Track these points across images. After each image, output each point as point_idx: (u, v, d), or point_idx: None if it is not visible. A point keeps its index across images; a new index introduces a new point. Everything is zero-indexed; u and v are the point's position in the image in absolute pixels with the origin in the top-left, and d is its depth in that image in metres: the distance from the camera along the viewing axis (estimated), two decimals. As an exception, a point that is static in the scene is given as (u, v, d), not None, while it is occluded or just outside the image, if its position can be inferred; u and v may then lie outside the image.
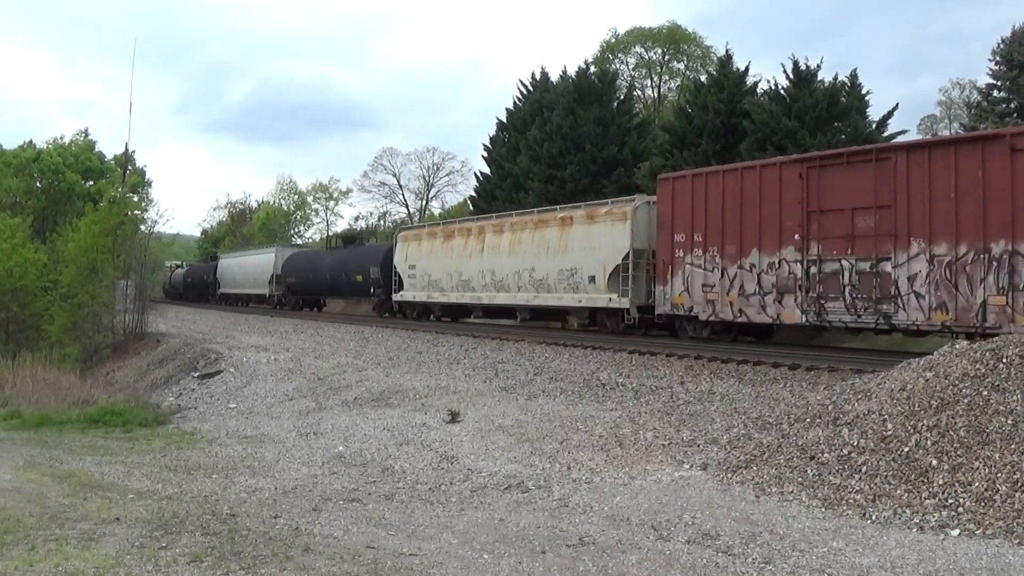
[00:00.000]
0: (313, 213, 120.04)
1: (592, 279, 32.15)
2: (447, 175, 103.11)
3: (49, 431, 22.28)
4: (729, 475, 13.68)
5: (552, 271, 34.33)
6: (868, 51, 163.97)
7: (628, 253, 30.25)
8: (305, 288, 60.74)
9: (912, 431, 12.47)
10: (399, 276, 45.87)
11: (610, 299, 31.25)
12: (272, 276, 65.47)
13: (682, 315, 28.39)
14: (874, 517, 11.22)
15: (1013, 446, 11.46)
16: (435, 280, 42.61)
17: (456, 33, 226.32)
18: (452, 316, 44.48)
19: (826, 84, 39.29)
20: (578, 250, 33.13)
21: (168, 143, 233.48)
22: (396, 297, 46.25)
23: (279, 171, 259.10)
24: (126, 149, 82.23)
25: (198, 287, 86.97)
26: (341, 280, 54.30)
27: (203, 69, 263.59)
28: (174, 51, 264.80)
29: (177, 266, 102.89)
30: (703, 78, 51.79)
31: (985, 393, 12.51)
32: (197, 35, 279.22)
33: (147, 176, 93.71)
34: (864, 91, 39.27)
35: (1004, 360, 13.07)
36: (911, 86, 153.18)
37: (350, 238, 63.24)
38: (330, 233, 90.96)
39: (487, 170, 60.37)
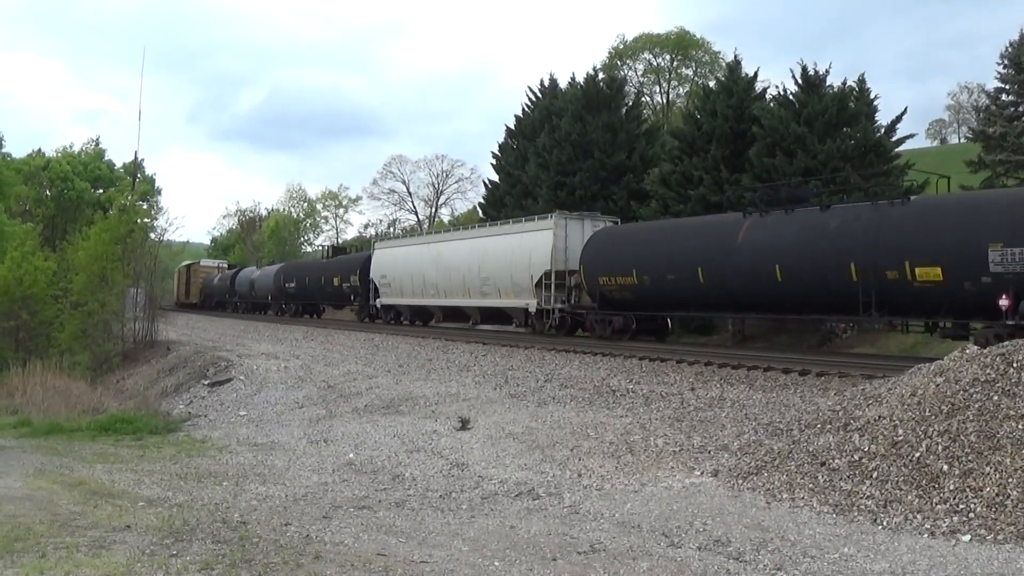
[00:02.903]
0: (323, 221, 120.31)
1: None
2: (456, 182, 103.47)
3: (59, 439, 22.30)
4: (740, 481, 13.66)
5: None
6: (877, 56, 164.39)
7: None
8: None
9: (923, 436, 12.44)
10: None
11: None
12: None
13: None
14: (885, 523, 11.20)
15: (1024, 451, 11.44)
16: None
17: (465, 40, 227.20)
18: (419, 319, 50.55)
19: (835, 89, 39.22)
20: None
21: (179, 151, 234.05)
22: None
23: (290, 179, 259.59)
24: (135, 157, 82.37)
25: (250, 295, 76.49)
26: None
27: (214, 77, 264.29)
28: (185, 59, 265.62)
29: (221, 267, 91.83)
30: (712, 84, 51.82)
31: (995, 398, 12.48)
32: (208, 43, 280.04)
33: (157, 184, 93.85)
34: (872, 96, 39.18)
35: (1015, 365, 13.04)
36: (921, 90, 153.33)
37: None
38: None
39: (496, 177, 60.44)
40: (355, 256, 60.28)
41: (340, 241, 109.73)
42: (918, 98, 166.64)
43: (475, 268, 41.29)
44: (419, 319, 50.42)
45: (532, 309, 37.28)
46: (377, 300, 51.49)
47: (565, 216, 37.57)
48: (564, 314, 36.21)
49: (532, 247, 37.49)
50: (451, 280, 43.55)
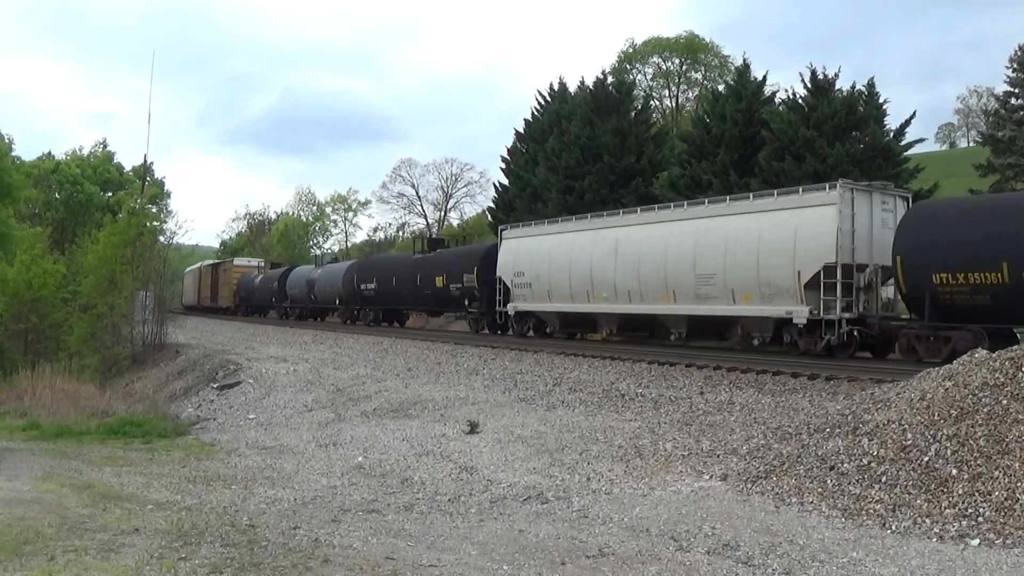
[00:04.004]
0: (332, 224, 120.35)
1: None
2: (465, 186, 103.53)
3: (68, 442, 22.35)
4: (749, 485, 13.64)
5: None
6: (888, 59, 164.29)
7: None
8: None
9: (932, 440, 12.42)
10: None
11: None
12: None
13: None
14: (894, 527, 11.18)
15: (1034, 456, 11.41)
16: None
17: (476, 43, 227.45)
18: (574, 330, 39.02)
19: (844, 93, 39.21)
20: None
21: (189, 154, 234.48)
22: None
23: (300, 183, 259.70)
24: (144, 160, 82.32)
25: (309, 299, 64.58)
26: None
27: (225, 80, 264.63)
28: (195, 62, 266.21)
29: (261, 267, 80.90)
30: (721, 88, 51.80)
31: (1004, 402, 12.45)
32: (219, 46, 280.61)
33: (166, 187, 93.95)
34: (882, 100, 39.19)
35: (1023, 369, 13.02)
36: (931, 94, 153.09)
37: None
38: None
39: (505, 181, 60.45)
40: (470, 248, 48.53)
41: (349, 245, 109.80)
42: (929, 102, 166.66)
43: (685, 261, 29.82)
44: (574, 330, 38.98)
45: (799, 319, 26.37)
46: (509, 305, 38.99)
47: (851, 187, 26.65)
48: (853, 327, 25.98)
49: (798, 230, 26.62)
50: (641, 278, 31.74)
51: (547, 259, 36.77)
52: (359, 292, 54.66)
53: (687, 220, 30.67)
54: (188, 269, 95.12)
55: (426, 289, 46.41)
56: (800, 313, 26.30)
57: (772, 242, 27.26)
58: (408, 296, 49.61)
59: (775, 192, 28.52)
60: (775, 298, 27.14)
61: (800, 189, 28.00)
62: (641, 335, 35.51)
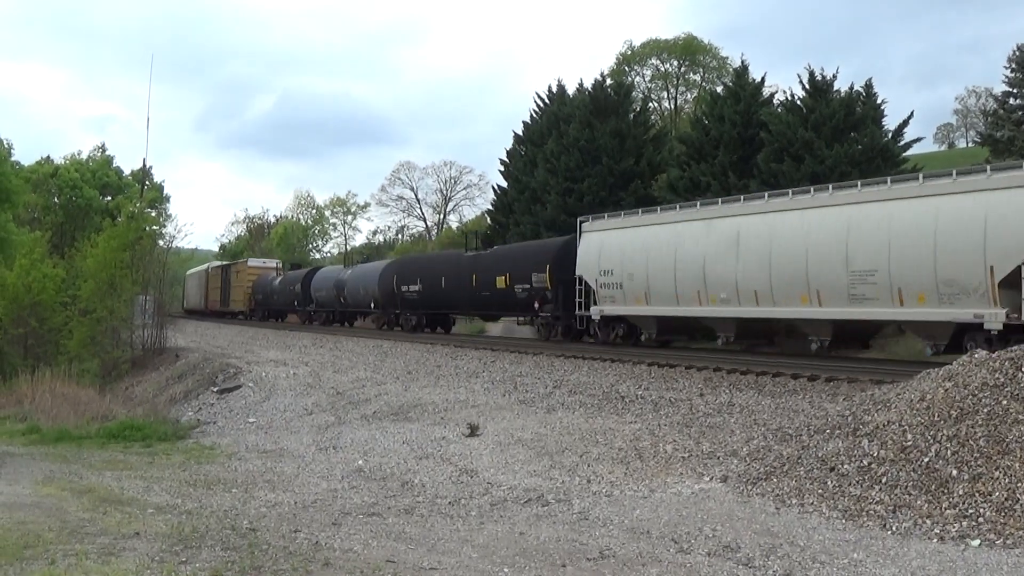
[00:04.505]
0: (331, 228, 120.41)
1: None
2: (464, 188, 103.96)
3: (68, 446, 22.33)
4: (749, 487, 13.65)
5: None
6: (888, 60, 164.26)
7: None
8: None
9: (932, 441, 12.42)
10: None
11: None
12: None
13: None
14: (894, 528, 11.19)
15: (1034, 456, 11.41)
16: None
17: (475, 46, 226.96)
18: (675, 337, 34.07)
19: (842, 94, 39.23)
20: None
21: (189, 158, 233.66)
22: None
23: (299, 186, 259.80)
24: (143, 164, 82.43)
25: (338, 302, 59.39)
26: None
27: (224, 83, 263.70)
28: (195, 66, 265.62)
29: (279, 268, 76.46)
30: (719, 89, 51.82)
31: (1004, 403, 12.46)
32: (218, 49, 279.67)
33: (165, 191, 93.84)
34: (879, 100, 39.19)
35: (1023, 369, 13.02)
36: (931, 94, 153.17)
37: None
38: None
39: (504, 183, 60.46)
40: (541, 244, 41.47)
41: (349, 248, 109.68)
42: (928, 103, 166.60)
43: (834, 254, 25.16)
44: (676, 336, 33.99)
45: (993, 324, 21.65)
46: (593, 309, 34.06)
47: None
48: None
49: (989, 216, 21.86)
50: (772, 275, 26.87)
51: (643, 255, 31.71)
52: (399, 294, 48.96)
53: (834, 206, 25.83)
54: (191, 271, 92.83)
55: (484, 291, 41.09)
56: (994, 317, 21.56)
57: (953, 232, 22.63)
58: (460, 298, 44.13)
59: (953, 172, 24.02)
60: (957, 299, 22.49)
61: (987, 168, 23.89)
62: (764, 343, 31.28)
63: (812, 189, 27.21)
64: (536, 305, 37.28)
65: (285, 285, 68.58)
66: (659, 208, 33.68)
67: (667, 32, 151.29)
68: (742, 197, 29.87)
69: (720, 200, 30.38)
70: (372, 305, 53.93)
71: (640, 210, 34.34)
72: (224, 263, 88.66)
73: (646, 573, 9.77)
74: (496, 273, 40.04)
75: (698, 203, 31.00)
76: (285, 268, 75.92)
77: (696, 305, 29.51)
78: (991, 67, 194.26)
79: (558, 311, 35.92)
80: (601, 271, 33.54)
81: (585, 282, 34.41)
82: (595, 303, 33.96)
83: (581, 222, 36.03)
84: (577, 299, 34.65)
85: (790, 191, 27.91)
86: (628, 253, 32.39)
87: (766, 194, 28.91)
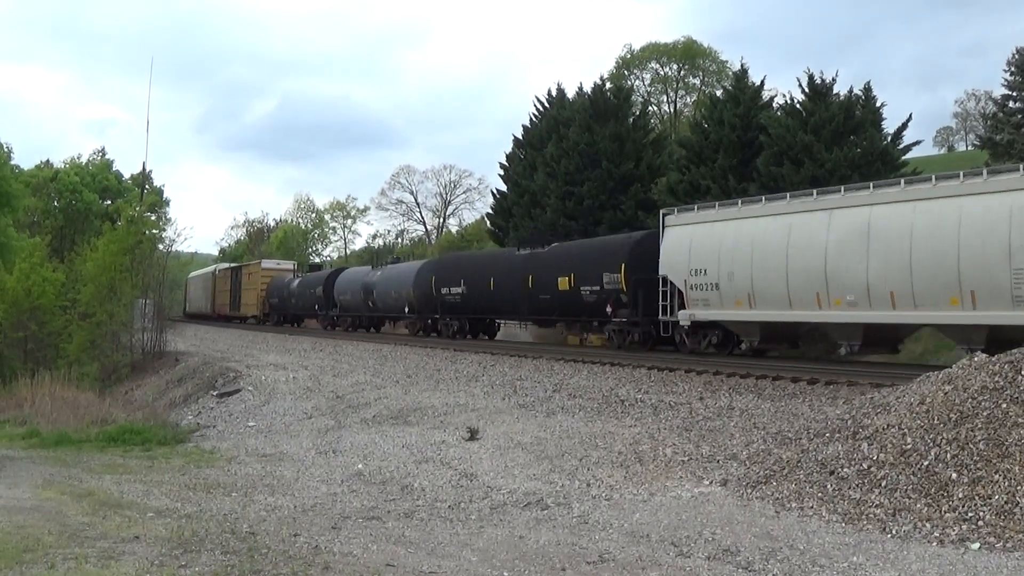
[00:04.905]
0: (331, 231, 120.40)
1: None
2: (464, 192, 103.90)
3: (68, 450, 22.33)
4: (749, 491, 13.65)
5: None
6: (888, 64, 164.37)
7: None
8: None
9: (932, 444, 12.43)
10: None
11: None
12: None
13: None
14: (894, 531, 11.19)
15: (1034, 459, 11.41)
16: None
17: (475, 49, 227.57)
18: (782, 344, 30.19)
19: (841, 98, 39.22)
20: None
21: (189, 162, 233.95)
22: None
23: (300, 190, 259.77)
24: (143, 168, 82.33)
25: (366, 306, 53.77)
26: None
27: (224, 87, 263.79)
28: (196, 69, 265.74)
29: (296, 272, 71.12)
30: (719, 93, 51.79)
31: (1004, 406, 12.46)
32: (219, 53, 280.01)
33: (165, 195, 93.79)
34: (879, 103, 39.16)
35: (1023, 373, 13.01)
36: (932, 97, 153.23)
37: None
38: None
39: (504, 187, 60.44)
40: (612, 240, 35.99)
41: (348, 252, 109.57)
42: (928, 106, 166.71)
43: (993, 249, 21.33)
44: (784, 343, 30.02)
45: None
46: (682, 314, 29.56)
47: None
48: None
49: None
50: (913, 274, 23.00)
51: (746, 251, 27.60)
52: (438, 297, 44.14)
53: (990, 194, 22.01)
54: (194, 274, 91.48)
55: (542, 293, 36.55)
56: None
57: None
58: (512, 302, 39.39)
59: None
60: None
61: None
62: (884, 351, 27.02)
63: (961, 174, 23.37)
64: (609, 309, 32.79)
65: (304, 288, 63.62)
66: (763, 198, 29.11)
67: (667, 36, 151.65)
68: (871, 184, 25.80)
69: (843, 188, 26.25)
70: (406, 310, 48.47)
71: (739, 201, 29.92)
72: (233, 265, 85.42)
73: (646, 577, 9.78)
74: (557, 273, 35.59)
75: (815, 192, 26.70)
76: (301, 270, 71.92)
77: (815, 309, 25.50)
78: (992, 70, 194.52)
79: (635, 316, 31.42)
80: (692, 270, 29.10)
81: (671, 283, 29.92)
82: (685, 306, 29.44)
83: (664, 214, 31.40)
84: (661, 302, 30.10)
85: (932, 176, 24.10)
86: (726, 249, 28.19)
87: (901, 180, 25.50)
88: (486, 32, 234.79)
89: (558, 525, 12.41)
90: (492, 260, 43.49)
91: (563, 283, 34.90)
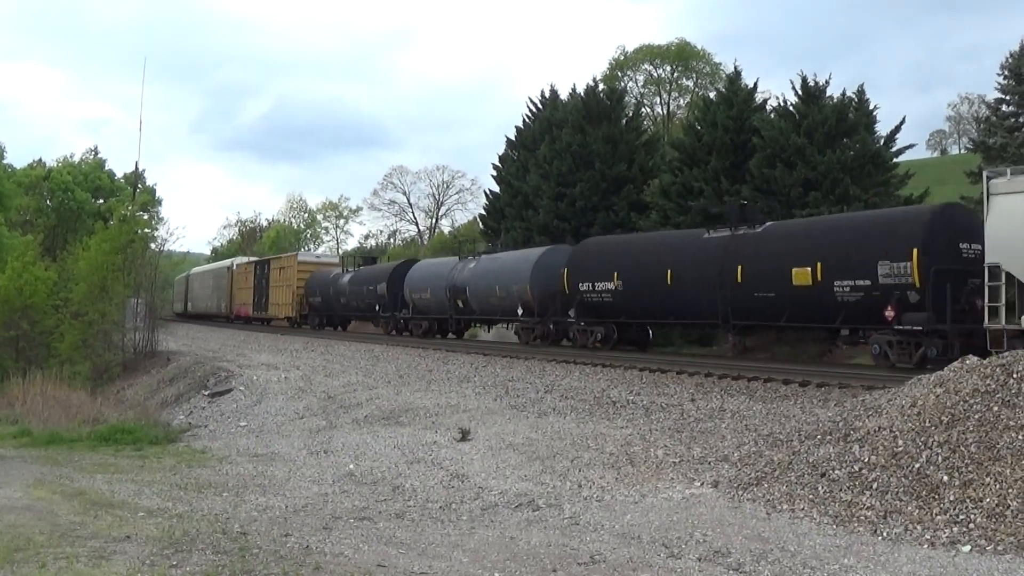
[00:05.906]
0: (323, 231, 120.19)
1: None
2: (457, 193, 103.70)
3: (59, 449, 22.30)
4: (740, 492, 13.66)
5: None
6: (883, 67, 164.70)
7: None
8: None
9: (923, 447, 12.45)
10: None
11: None
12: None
13: None
14: (885, 534, 11.20)
15: (1024, 462, 11.43)
16: None
17: (470, 51, 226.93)
18: None
19: (834, 100, 39.24)
20: None
21: (183, 161, 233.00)
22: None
23: (294, 189, 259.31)
24: (136, 167, 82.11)
25: (453, 306, 42.74)
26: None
27: (219, 87, 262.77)
28: (190, 69, 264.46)
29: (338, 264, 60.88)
30: (712, 95, 51.79)
31: (996, 409, 12.49)
32: (213, 53, 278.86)
33: (158, 195, 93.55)
34: (872, 106, 39.17)
35: (1015, 375, 13.04)
36: (926, 101, 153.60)
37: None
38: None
39: (496, 188, 60.39)
40: (883, 216, 26.79)
41: (341, 252, 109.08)
42: (922, 110, 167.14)
43: None
44: None
45: None
46: None
47: None
48: None
49: None
50: None
51: None
52: (576, 296, 34.54)
53: None
54: (197, 269, 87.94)
55: (759, 290, 26.84)
56: None
57: None
58: (699, 302, 29.08)
59: None
60: None
61: None
62: None
63: None
64: (889, 313, 23.15)
65: (359, 284, 52.44)
66: None
67: (660, 38, 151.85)
68: None
69: None
70: (519, 311, 38.14)
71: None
72: (257, 258, 74.74)
73: (637, 578, 9.78)
74: (788, 263, 25.94)
75: None
76: (348, 263, 59.62)
77: None
78: (986, 74, 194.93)
79: (935, 322, 22.07)
80: None
81: (1007, 275, 20.27)
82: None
83: (990, 177, 21.54)
84: (985, 302, 20.66)
85: None
86: None
87: None
88: (479, 33, 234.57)
89: (549, 526, 12.41)
90: (668, 246, 32.20)
91: (800, 276, 25.40)
